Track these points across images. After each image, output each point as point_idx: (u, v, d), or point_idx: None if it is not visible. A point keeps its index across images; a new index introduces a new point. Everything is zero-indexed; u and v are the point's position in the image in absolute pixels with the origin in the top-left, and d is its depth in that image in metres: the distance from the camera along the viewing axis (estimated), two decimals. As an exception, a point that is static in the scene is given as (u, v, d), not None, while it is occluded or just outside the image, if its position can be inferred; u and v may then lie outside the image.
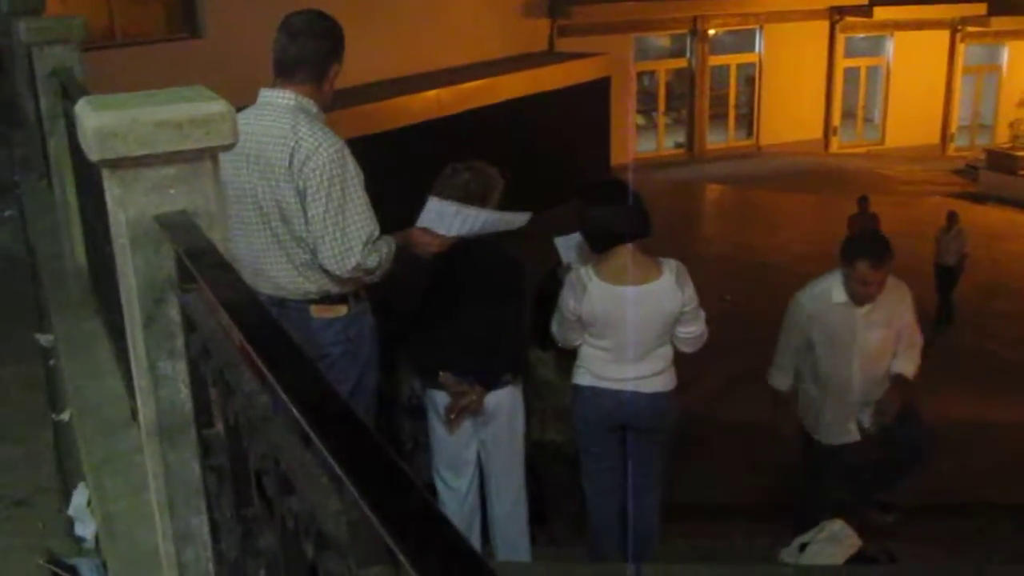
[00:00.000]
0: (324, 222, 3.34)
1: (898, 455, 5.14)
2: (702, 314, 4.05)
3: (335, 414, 0.97)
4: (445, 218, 3.69)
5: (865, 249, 4.59)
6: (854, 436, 4.90)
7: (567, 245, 4.43)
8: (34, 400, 3.56)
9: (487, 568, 0.72)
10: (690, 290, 3.95)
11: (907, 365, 4.84)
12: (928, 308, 11.25)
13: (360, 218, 3.39)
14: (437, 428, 4.27)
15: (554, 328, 4.13)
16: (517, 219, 3.83)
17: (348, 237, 3.36)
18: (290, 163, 3.33)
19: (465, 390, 4.09)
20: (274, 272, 3.50)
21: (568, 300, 3.97)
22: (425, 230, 3.67)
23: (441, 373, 4.10)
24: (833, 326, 4.73)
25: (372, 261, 3.42)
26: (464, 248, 4.02)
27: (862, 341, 4.71)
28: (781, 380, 5.00)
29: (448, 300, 4.05)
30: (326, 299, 3.54)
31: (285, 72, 3.48)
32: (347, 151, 3.39)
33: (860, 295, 4.60)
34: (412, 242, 3.65)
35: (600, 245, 3.98)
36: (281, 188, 3.37)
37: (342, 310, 3.57)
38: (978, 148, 22.98)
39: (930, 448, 5.16)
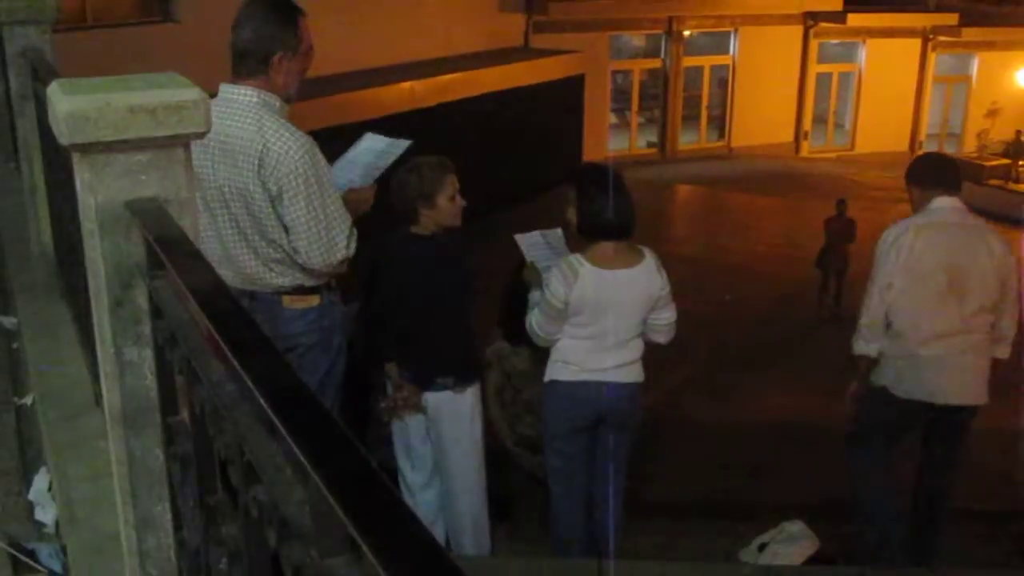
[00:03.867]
0: (307, 224, 3.31)
1: None
2: (672, 302, 4.13)
3: (302, 404, 0.97)
4: (344, 174, 3.72)
5: None
6: None
7: (530, 243, 4.35)
8: (-4, 383, 3.53)
9: (448, 561, 0.73)
10: (665, 274, 4.06)
11: None
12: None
13: (339, 213, 3.38)
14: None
15: (535, 324, 4.07)
16: (399, 143, 3.83)
17: (332, 233, 3.35)
18: (259, 166, 3.25)
19: (400, 384, 4.14)
20: (243, 266, 3.46)
21: (558, 289, 3.93)
22: (351, 191, 3.65)
23: (387, 364, 4.14)
24: None
25: (352, 248, 3.45)
26: (419, 245, 4.03)
27: None
28: None
29: (396, 295, 4.09)
30: (298, 290, 3.52)
31: (235, 65, 3.35)
32: (316, 147, 3.33)
33: None
34: (355, 210, 3.61)
35: (594, 236, 4.00)
36: (250, 190, 3.30)
37: (314, 300, 3.54)
38: (946, 157, 23.16)
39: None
